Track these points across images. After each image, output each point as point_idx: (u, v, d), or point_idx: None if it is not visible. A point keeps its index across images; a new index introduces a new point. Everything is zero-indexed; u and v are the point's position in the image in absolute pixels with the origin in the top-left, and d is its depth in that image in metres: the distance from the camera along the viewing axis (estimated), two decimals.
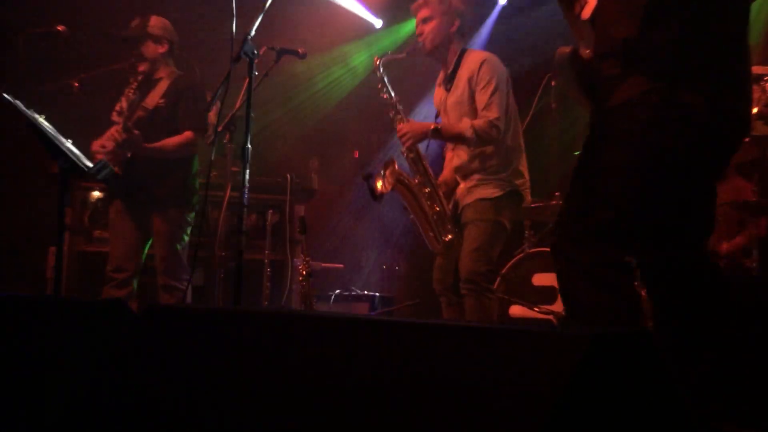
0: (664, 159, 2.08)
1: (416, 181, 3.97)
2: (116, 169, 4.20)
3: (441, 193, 3.97)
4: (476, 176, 3.91)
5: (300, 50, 3.93)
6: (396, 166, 3.99)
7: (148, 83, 4.48)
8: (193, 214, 4.47)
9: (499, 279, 4.98)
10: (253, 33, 3.16)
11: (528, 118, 5.12)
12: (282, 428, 1.45)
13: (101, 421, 1.70)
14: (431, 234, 3.96)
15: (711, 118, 2.06)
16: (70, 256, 4.98)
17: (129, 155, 4.27)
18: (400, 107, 4.02)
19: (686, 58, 2.06)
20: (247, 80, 3.22)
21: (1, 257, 5.73)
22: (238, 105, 3.94)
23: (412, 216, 4.02)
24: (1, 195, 5.90)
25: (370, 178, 3.99)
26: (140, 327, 1.86)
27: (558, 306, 4.75)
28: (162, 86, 4.45)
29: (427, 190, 3.96)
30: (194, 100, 4.42)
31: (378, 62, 4.05)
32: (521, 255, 5.06)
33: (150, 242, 4.47)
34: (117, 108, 4.46)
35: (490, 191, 3.87)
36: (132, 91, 4.38)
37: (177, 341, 1.77)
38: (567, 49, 2.26)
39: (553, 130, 6.12)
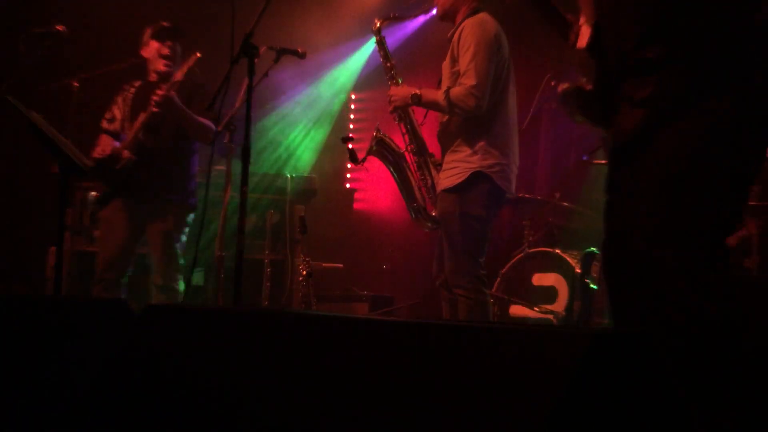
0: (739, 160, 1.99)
1: (405, 148, 3.84)
2: (125, 153, 4.21)
3: (432, 163, 3.81)
4: (446, 158, 3.70)
5: (300, 50, 3.93)
6: (380, 132, 3.86)
7: (150, 87, 4.42)
8: (192, 216, 4.45)
9: (499, 279, 4.98)
10: (252, 33, 3.16)
11: (528, 118, 5.11)
12: (282, 428, 1.45)
13: (101, 421, 1.70)
14: (414, 205, 3.80)
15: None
16: (70, 256, 4.98)
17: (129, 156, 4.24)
18: (394, 72, 3.90)
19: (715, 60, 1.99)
20: (247, 80, 3.22)
21: (1, 257, 5.73)
22: (238, 105, 3.95)
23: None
24: (1, 195, 5.90)
25: (350, 141, 3.85)
26: (140, 327, 1.86)
27: (558, 306, 4.75)
28: (170, 86, 4.33)
29: (416, 159, 3.82)
30: (205, 99, 4.40)
31: (378, 24, 3.92)
32: (521, 255, 5.06)
33: (139, 241, 4.42)
34: (107, 116, 4.43)
35: (451, 179, 3.61)
36: (130, 96, 4.38)
37: (177, 341, 1.77)
38: (568, 87, 2.17)
39: (553, 130, 6.12)
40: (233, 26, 3.10)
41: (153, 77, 4.43)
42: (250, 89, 3.20)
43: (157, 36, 4.39)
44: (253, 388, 1.55)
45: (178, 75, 4.25)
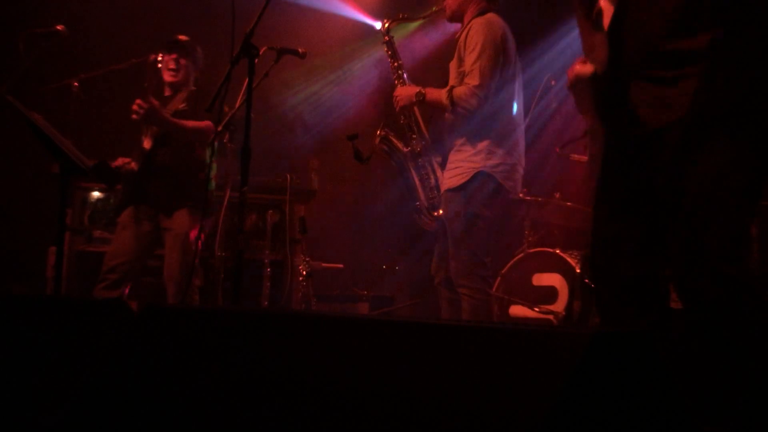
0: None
1: (409, 149, 3.85)
2: (132, 165, 4.25)
3: (437, 163, 3.83)
4: (450, 157, 3.71)
5: (300, 50, 3.92)
6: (385, 130, 3.87)
7: (165, 93, 4.49)
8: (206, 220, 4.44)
9: (499, 279, 4.98)
10: (252, 33, 3.16)
11: (527, 118, 5.11)
12: (282, 428, 1.45)
13: (101, 421, 1.70)
14: (417, 204, 3.82)
15: None
16: (70, 256, 4.97)
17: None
18: (401, 72, 3.91)
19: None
20: (247, 80, 3.22)
21: (1, 257, 5.72)
22: (238, 105, 3.95)
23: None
24: (1, 195, 5.89)
25: (355, 140, 3.84)
26: (140, 327, 1.86)
27: (558, 306, 4.74)
28: (181, 95, 4.44)
29: (420, 158, 3.84)
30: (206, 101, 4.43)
31: (386, 24, 3.95)
32: (521, 255, 5.05)
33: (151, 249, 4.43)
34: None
35: (454, 179, 3.62)
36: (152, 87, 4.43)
37: (177, 341, 1.77)
38: (587, 69, 1.98)
39: (553, 130, 6.11)
40: (233, 26, 3.09)
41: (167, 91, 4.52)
42: (250, 89, 3.20)
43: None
44: (253, 388, 1.55)
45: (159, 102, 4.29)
